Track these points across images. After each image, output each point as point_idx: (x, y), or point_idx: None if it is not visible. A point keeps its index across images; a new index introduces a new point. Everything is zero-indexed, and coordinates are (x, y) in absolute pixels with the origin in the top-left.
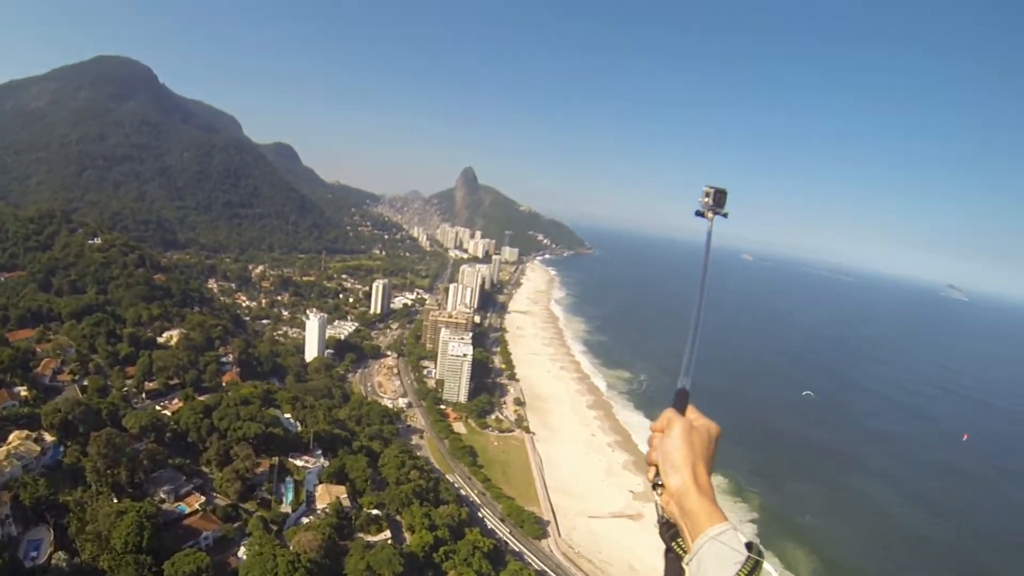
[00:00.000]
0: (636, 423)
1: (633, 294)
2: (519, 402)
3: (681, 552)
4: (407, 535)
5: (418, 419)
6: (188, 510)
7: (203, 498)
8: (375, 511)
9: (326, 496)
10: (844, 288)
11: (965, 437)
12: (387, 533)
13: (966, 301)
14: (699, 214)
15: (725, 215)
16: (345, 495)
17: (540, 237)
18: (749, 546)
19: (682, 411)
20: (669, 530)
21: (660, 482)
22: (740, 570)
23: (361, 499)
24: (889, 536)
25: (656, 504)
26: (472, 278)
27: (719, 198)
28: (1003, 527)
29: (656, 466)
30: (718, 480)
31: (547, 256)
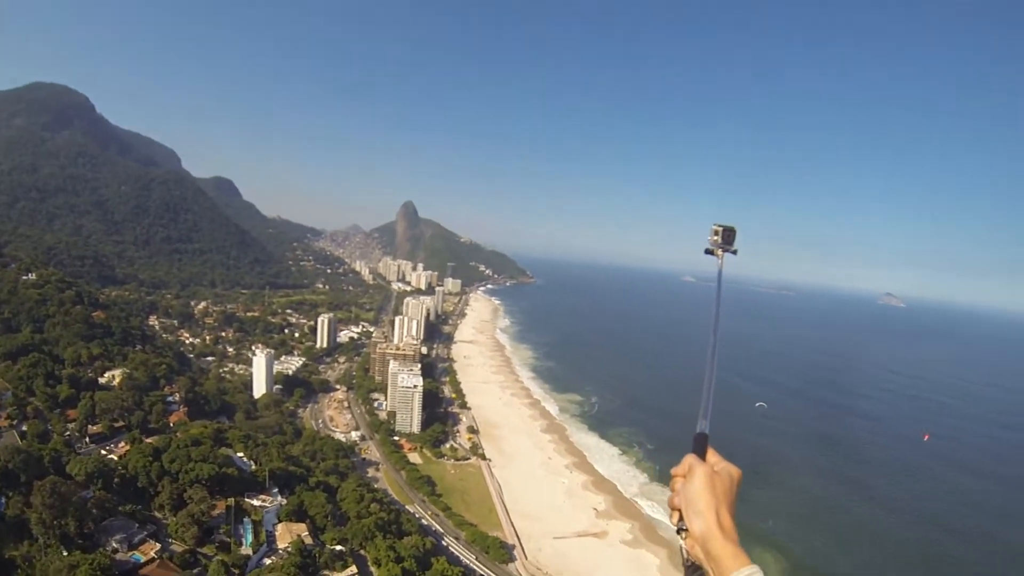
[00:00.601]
0: (591, 444)
1: (577, 319)
2: (472, 430)
3: None
4: (373, 569)
5: (372, 452)
6: (144, 559)
7: (158, 545)
8: (338, 547)
9: (286, 535)
10: (786, 302)
11: (926, 437)
12: (353, 569)
13: (903, 307)
14: (708, 252)
15: (734, 252)
16: (306, 532)
17: (482, 268)
18: None
19: (702, 455)
20: (695, 573)
21: (684, 527)
22: None
23: (323, 535)
24: (851, 535)
25: (681, 548)
26: (417, 310)
27: (728, 236)
28: (962, 518)
29: (679, 511)
30: None
31: (490, 286)
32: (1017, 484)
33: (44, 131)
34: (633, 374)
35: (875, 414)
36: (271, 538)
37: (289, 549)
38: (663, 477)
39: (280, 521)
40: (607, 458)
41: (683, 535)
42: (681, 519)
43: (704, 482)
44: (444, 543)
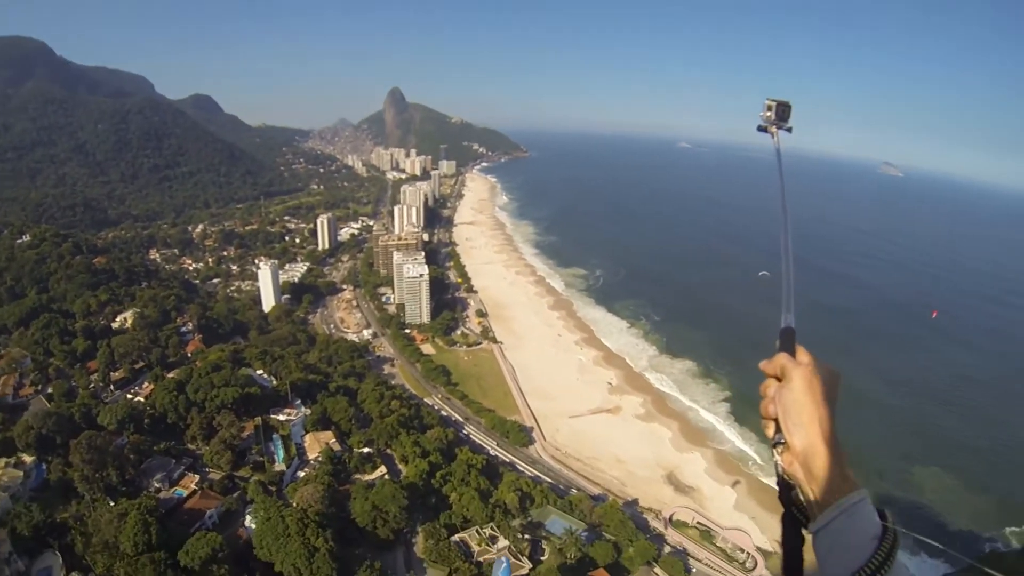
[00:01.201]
0: (599, 318)
1: (575, 191)
2: (481, 313)
3: (803, 519)
4: (401, 467)
5: (386, 348)
6: (186, 493)
7: (197, 476)
8: (366, 449)
9: (315, 445)
10: (789, 169)
11: (935, 314)
12: (382, 469)
13: (901, 177)
14: (761, 129)
15: (789, 129)
16: (333, 440)
17: (475, 147)
18: (884, 517)
19: (792, 353)
20: (789, 491)
21: (781, 439)
22: (880, 547)
23: (349, 440)
24: (850, 407)
25: (776, 463)
26: (415, 197)
27: (782, 111)
28: (955, 392)
29: (775, 420)
30: (687, 364)
31: (484, 164)
32: (1008, 359)
33: (8, 87)
34: (635, 243)
35: (877, 285)
36: (301, 450)
37: (319, 459)
38: (671, 349)
39: (307, 432)
40: (615, 332)
41: (779, 449)
42: (778, 430)
43: (805, 387)
44: (465, 432)
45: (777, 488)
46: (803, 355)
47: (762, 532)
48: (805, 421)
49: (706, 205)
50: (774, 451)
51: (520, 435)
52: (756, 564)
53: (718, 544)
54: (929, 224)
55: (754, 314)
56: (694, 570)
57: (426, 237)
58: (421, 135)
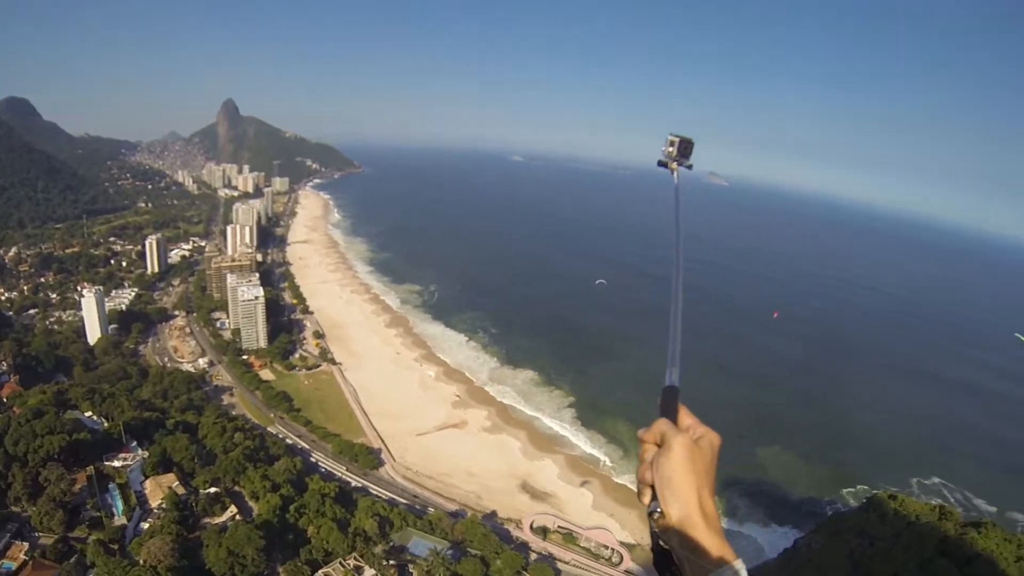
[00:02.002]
0: (437, 334)
1: (409, 206)
2: (319, 335)
3: None
4: (253, 504)
5: (224, 376)
6: (15, 565)
7: (26, 544)
8: (213, 489)
9: (157, 491)
10: (621, 180)
11: (775, 315)
12: (233, 509)
13: (726, 186)
14: (662, 164)
15: (689, 167)
16: (177, 482)
17: (309, 162)
18: None
19: (674, 417)
20: (664, 560)
21: (658, 508)
22: None
23: (194, 481)
24: (688, 399)
25: (652, 531)
26: (247, 215)
27: (684, 148)
28: (780, 378)
29: (651, 487)
30: (528, 374)
31: (318, 181)
32: (817, 343)
33: None
34: (469, 257)
35: (711, 289)
36: (142, 499)
37: (163, 506)
38: (512, 360)
39: (147, 477)
40: (454, 346)
41: (655, 516)
42: (654, 497)
43: (683, 457)
44: (313, 459)
45: (652, 555)
46: (685, 417)
47: (623, 528)
48: (684, 493)
49: (539, 217)
50: (650, 518)
51: (369, 458)
52: (622, 559)
53: (582, 545)
54: (751, 228)
55: (591, 322)
56: (563, 573)
57: (260, 258)
58: (255, 150)
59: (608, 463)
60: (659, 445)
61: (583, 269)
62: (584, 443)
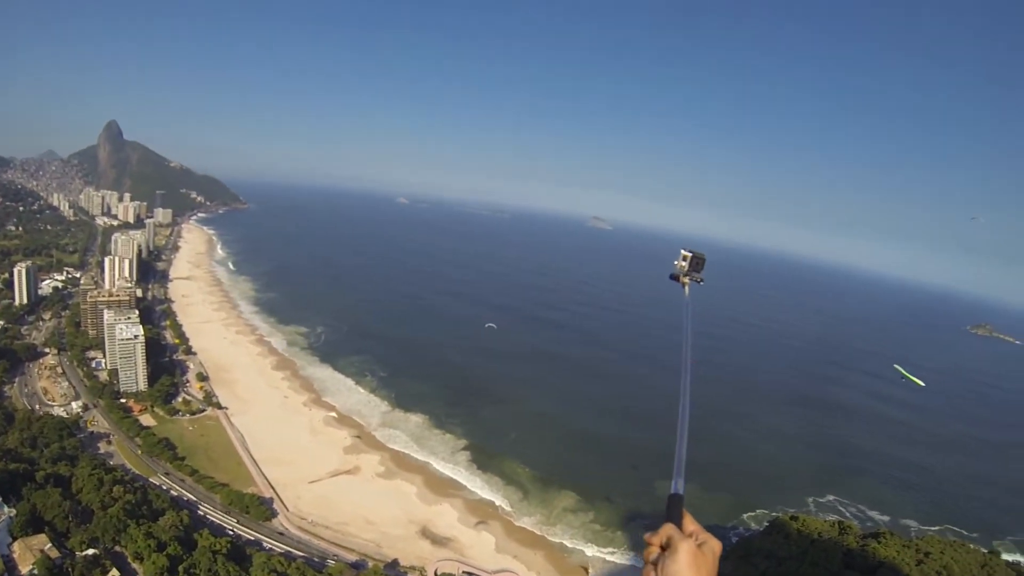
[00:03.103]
0: (325, 377)
1: (295, 245)
2: (203, 377)
3: None
4: (136, 566)
5: (100, 422)
6: None
7: None
8: (91, 551)
9: (27, 555)
10: (500, 223)
11: (692, 362)
12: (115, 572)
13: (610, 230)
14: (673, 278)
15: (700, 281)
16: (49, 545)
17: (194, 195)
18: None
19: (679, 522)
20: None
21: None
22: None
23: (69, 542)
24: (573, 439)
25: None
26: (127, 247)
27: (696, 263)
28: (656, 413)
29: None
30: (420, 418)
31: (202, 215)
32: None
33: None
34: (355, 299)
35: (591, 330)
36: (10, 564)
37: (35, 572)
38: (402, 404)
39: (15, 539)
40: (344, 390)
41: None
42: None
43: (688, 561)
44: (201, 512)
45: None
46: (689, 524)
47: (529, 569)
48: None
49: (424, 260)
50: None
51: (261, 508)
52: None
53: None
54: (623, 269)
55: (480, 365)
56: None
57: (140, 293)
58: (138, 178)
59: (507, 507)
60: (663, 548)
61: (470, 312)
62: (481, 486)
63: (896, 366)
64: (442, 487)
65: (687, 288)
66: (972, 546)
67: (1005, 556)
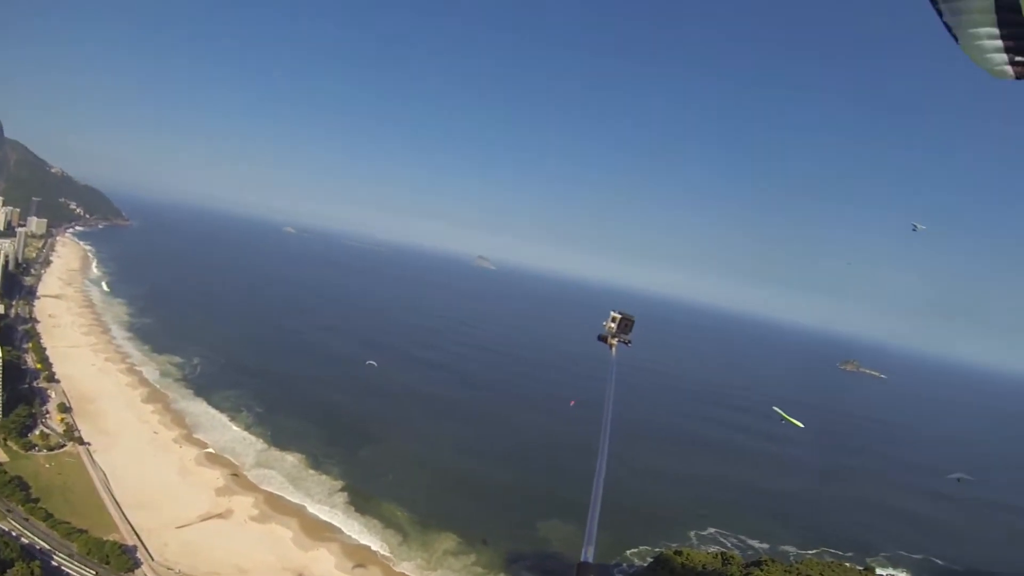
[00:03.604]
0: (199, 412)
1: (176, 269)
2: (65, 408)
3: None
4: None
5: None
6: None
7: None
8: None
9: None
10: (378, 257)
11: (572, 403)
12: None
13: (494, 269)
14: (601, 339)
15: (628, 343)
16: None
17: (73, 206)
18: None
19: None
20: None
21: None
22: None
23: None
24: (451, 480)
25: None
26: None
27: (625, 325)
28: (533, 454)
29: None
30: (296, 458)
31: (80, 228)
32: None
33: None
34: (233, 329)
35: (469, 370)
36: None
37: None
38: (278, 442)
39: None
40: (218, 427)
41: None
42: None
43: None
44: (56, 563)
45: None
46: None
47: None
48: None
49: (307, 293)
50: None
51: (123, 558)
52: None
53: None
54: (504, 309)
55: (359, 404)
56: None
57: (2, 309)
58: (13, 181)
59: (385, 551)
60: None
61: (350, 348)
62: (359, 530)
63: (775, 408)
64: (319, 531)
65: (614, 349)
66: (848, 565)
67: (879, 571)
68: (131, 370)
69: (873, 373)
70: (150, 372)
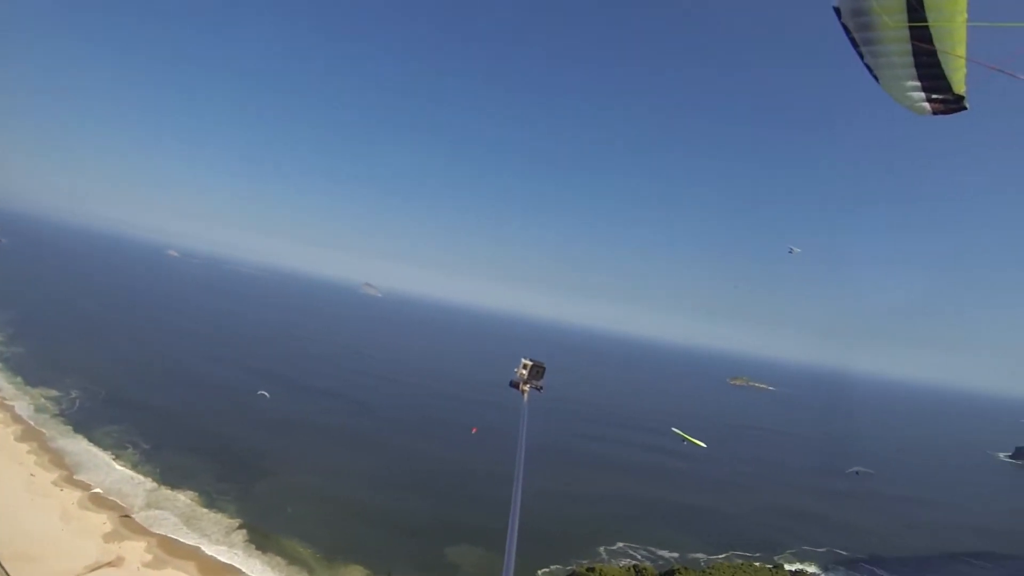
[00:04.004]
0: (80, 451)
1: (51, 293)
2: None
3: None
4: None
5: None
6: None
7: None
8: None
9: None
10: (267, 283)
11: (474, 431)
12: None
13: (380, 297)
14: (513, 385)
15: (540, 388)
16: None
17: None
18: None
19: None
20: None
21: None
22: None
23: None
24: (351, 510)
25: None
26: None
27: (536, 372)
28: (422, 481)
29: None
30: (189, 496)
31: None
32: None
33: None
34: (114, 359)
35: (363, 399)
36: None
37: None
38: (169, 480)
39: None
40: (102, 466)
41: None
42: None
43: None
44: None
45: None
46: None
47: None
48: None
49: (192, 321)
50: None
51: None
52: None
53: None
54: (395, 337)
55: (250, 437)
56: None
57: None
58: None
59: None
60: None
61: (240, 379)
62: (262, 569)
63: (675, 430)
64: (219, 573)
65: (526, 395)
66: (758, 564)
67: (787, 567)
68: (2, 405)
69: (762, 386)
70: (23, 407)
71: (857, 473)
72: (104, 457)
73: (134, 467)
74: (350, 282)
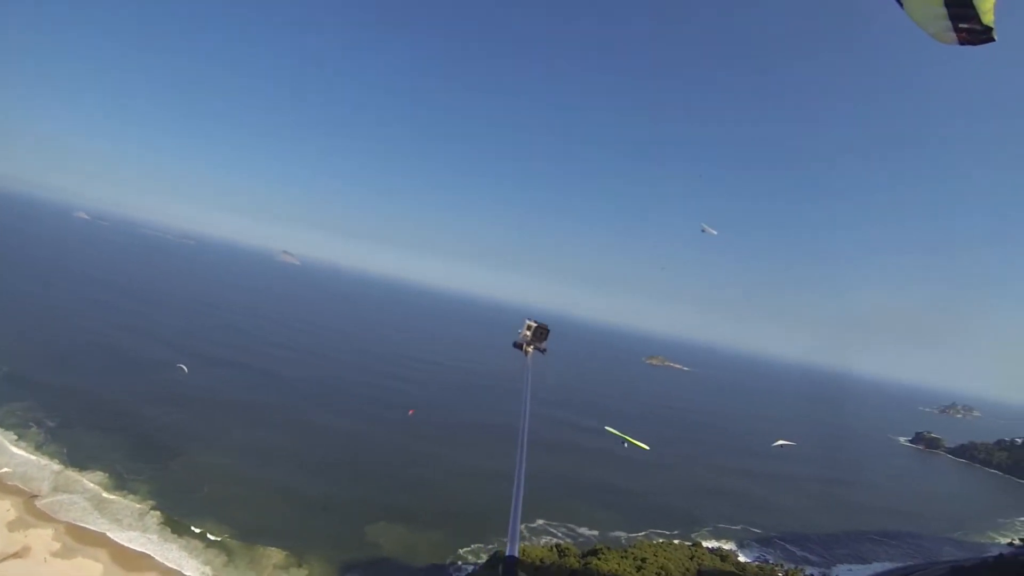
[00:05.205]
0: None
1: None
2: None
3: None
4: None
5: None
6: None
7: None
8: None
9: None
10: (190, 251)
11: (411, 412)
12: None
13: (299, 265)
14: (517, 346)
15: (543, 351)
16: None
17: None
18: None
19: None
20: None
21: None
22: None
23: None
24: (269, 490)
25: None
26: None
27: (540, 333)
28: (347, 459)
29: None
30: (99, 477)
31: None
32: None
33: None
34: (16, 331)
35: (283, 374)
36: None
37: None
38: (77, 462)
39: None
40: (2, 448)
41: None
42: None
43: None
44: None
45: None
46: None
47: None
48: None
49: (102, 288)
50: None
51: None
52: None
53: None
54: (315, 307)
55: (164, 413)
56: None
57: None
58: None
59: (211, 573)
60: None
61: (154, 352)
62: (178, 554)
63: (609, 429)
64: (133, 560)
65: (529, 356)
66: (677, 542)
67: (706, 544)
68: None
69: (677, 366)
70: None
71: (781, 446)
72: (5, 438)
73: (38, 449)
74: (267, 249)
